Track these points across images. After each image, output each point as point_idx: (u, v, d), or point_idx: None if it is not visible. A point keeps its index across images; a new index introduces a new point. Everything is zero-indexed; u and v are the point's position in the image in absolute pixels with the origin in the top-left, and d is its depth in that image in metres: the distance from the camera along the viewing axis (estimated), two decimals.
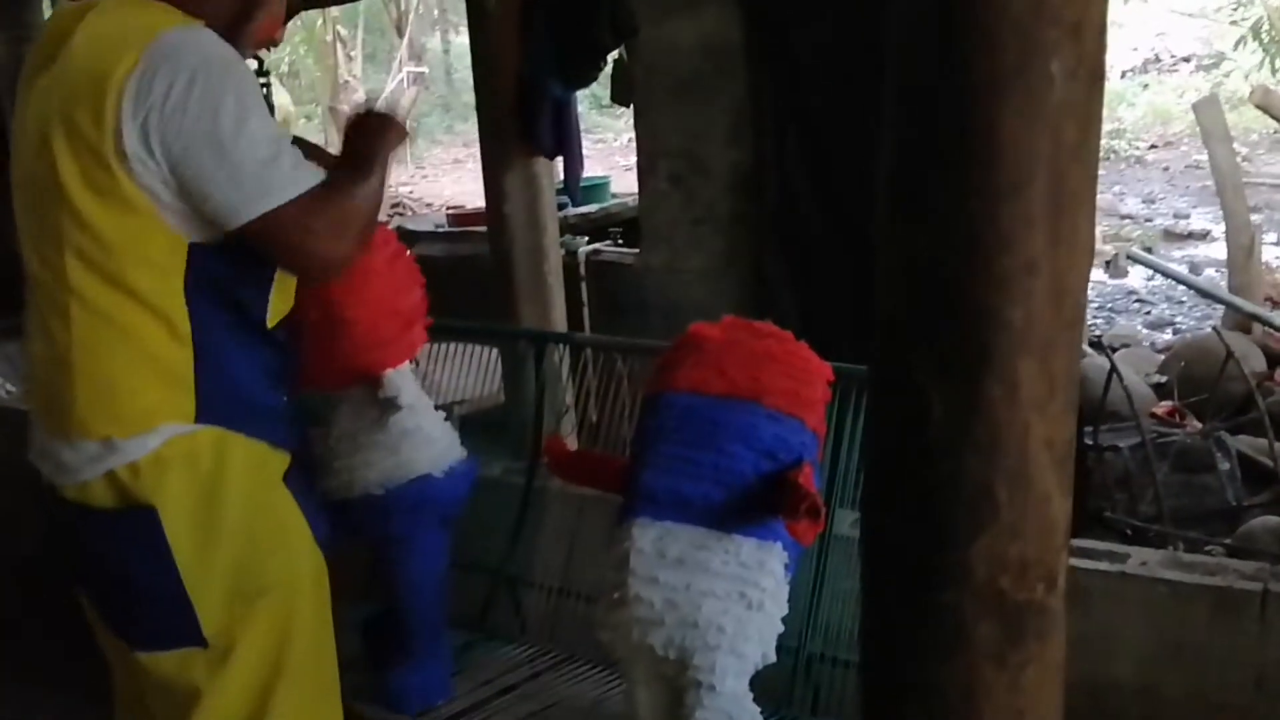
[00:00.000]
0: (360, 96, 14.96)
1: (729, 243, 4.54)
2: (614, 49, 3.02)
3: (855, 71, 4.07)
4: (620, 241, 5.19)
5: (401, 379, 2.09)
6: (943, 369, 1.24)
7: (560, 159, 3.19)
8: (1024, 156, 1.17)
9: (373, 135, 1.91)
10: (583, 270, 4.84)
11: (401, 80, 16.59)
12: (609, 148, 16.36)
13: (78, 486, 1.76)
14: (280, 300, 1.84)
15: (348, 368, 2.10)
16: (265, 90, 3.16)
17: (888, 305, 1.27)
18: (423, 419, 2.15)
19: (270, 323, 1.82)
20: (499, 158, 3.13)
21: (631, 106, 4.68)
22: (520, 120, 3.07)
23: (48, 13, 5.13)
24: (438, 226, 6.25)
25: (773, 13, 4.17)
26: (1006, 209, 1.18)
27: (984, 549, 1.25)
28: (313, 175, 1.72)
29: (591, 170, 11.13)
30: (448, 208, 8.90)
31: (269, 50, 3.30)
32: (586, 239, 5.04)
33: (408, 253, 2.18)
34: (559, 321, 3.23)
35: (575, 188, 3.33)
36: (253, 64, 3.29)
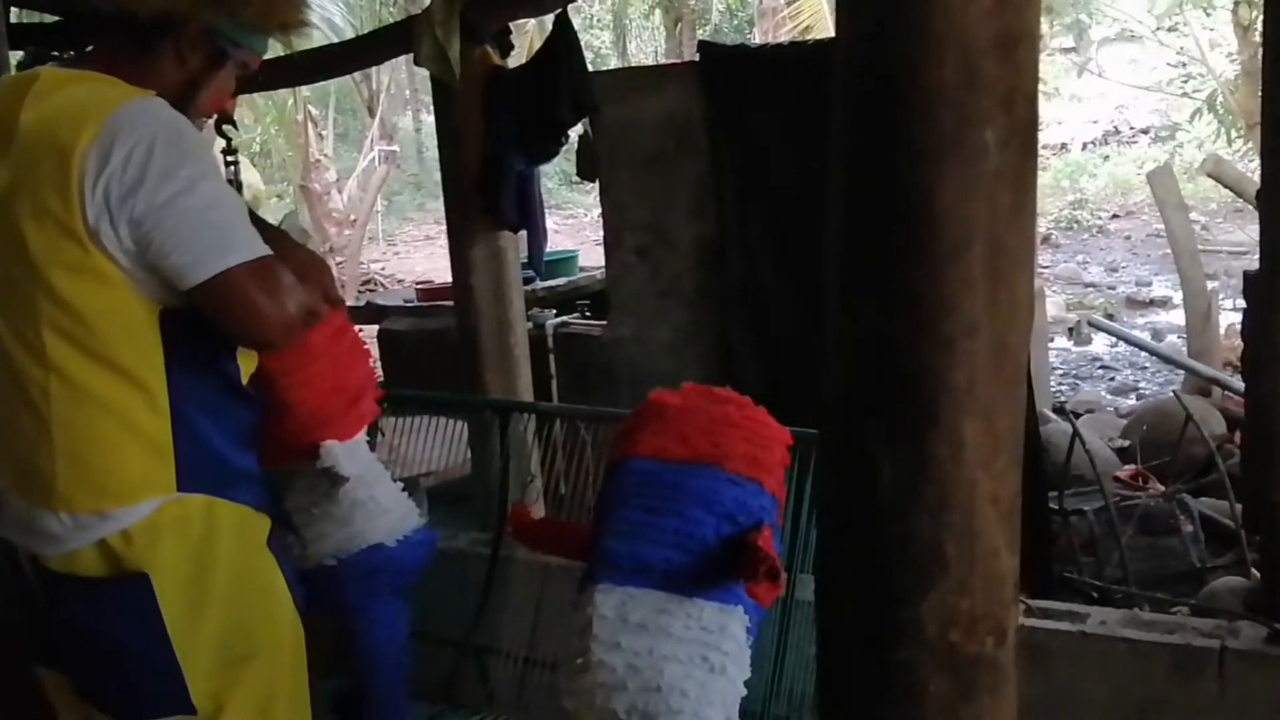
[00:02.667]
0: (331, 176, 15.04)
1: (694, 314, 4.60)
2: (574, 124, 3.08)
3: (811, 148, 4.14)
4: (588, 314, 5.22)
5: (347, 451, 2.10)
6: (891, 432, 1.26)
7: (524, 233, 3.23)
8: (962, 222, 1.21)
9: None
10: (550, 343, 4.87)
11: (373, 159, 16.71)
12: (579, 222, 16.49)
13: (64, 557, 1.75)
14: (247, 358, 1.87)
15: (295, 446, 2.11)
16: (234, 169, 3.20)
17: (837, 372, 1.31)
18: (375, 489, 2.16)
19: (244, 380, 1.85)
20: (465, 232, 3.17)
21: (596, 181, 4.76)
22: (485, 195, 3.12)
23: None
24: (406, 301, 6.28)
25: (731, 92, 4.27)
26: (948, 273, 1.21)
27: (935, 605, 1.27)
28: (263, 243, 1.75)
29: (561, 244, 11.22)
30: (416, 283, 8.94)
31: (234, 127, 3.34)
32: (554, 312, 5.08)
33: (353, 329, 2.20)
34: (525, 392, 3.26)
35: (539, 261, 3.38)
36: (221, 143, 3.33)
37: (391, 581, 2.19)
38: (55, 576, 1.77)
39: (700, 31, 20.96)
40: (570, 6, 3.08)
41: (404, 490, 2.23)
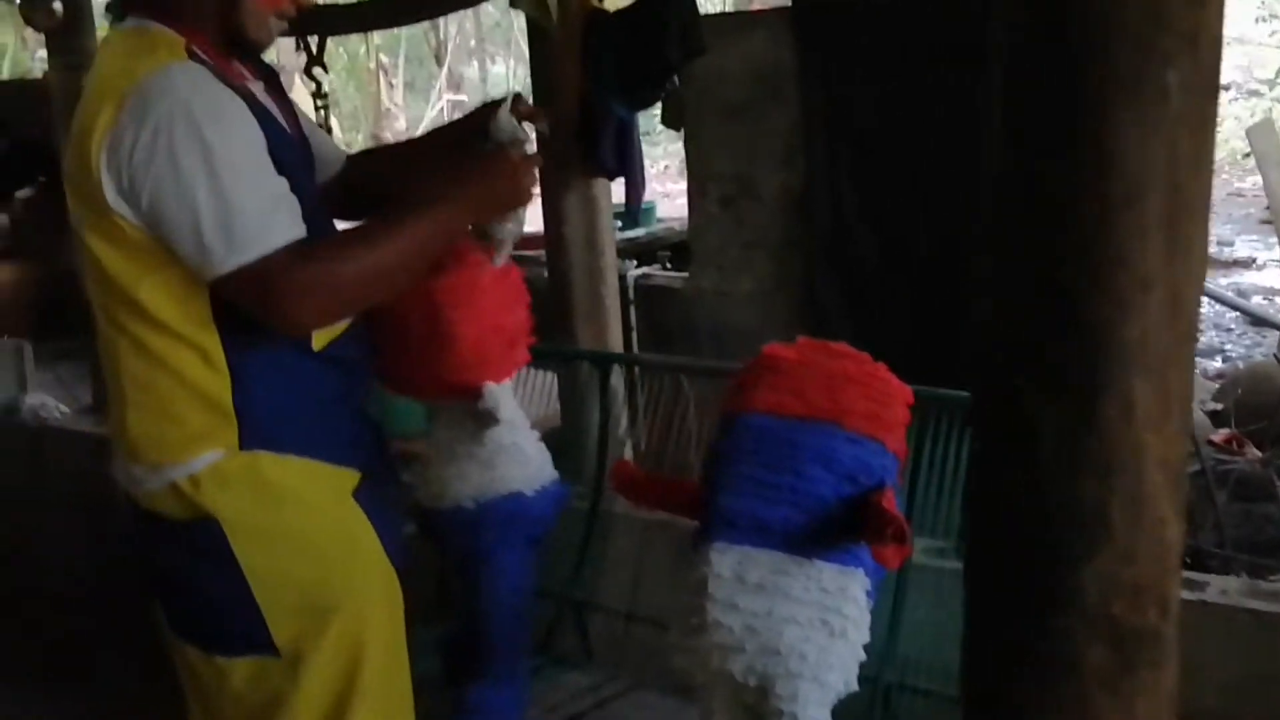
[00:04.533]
0: (401, 124, 15.01)
1: (779, 266, 4.53)
2: (683, 68, 3.00)
3: (909, 91, 4.08)
4: (669, 265, 5.17)
5: (502, 394, 2.06)
6: (1054, 389, 1.20)
7: (621, 180, 3.18)
8: (1139, 167, 1.14)
9: (470, 177, 1.87)
10: (631, 294, 4.82)
11: (441, 109, 16.70)
12: (648, 173, 16.39)
13: (148, 495, 1.79)
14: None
15: (450, 381, 2.04)
16: (324, 113, 3.17)
17: (994, 322, 1.24)
18: (519, 436, 2.12)
19: (316, 346, 1.79)
20: (558, 180, 3.11)
21: (681, 131, 4.69)
22: (583, 141, 3.05)
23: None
24: None
25: (825, 39, 4.17)
26: (1122, 220, 1.15)
27: (1097, 573, 1.21)
28: (287, 229, 1.66)
29: None
30: None
31: (324, 70, 3.28)
32: (635, 263, 5.02)
33: (516, 268, 2.10)
34: (615, 344, 3.21)
35: (638, 209, 3.33)
36: (311, 86, 3.29)
37: (527, 530, 2.16)
38: (145, 514, 1.81)
39: None
40: None
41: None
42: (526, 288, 2.11)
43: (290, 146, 1.82)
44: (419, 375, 1.96)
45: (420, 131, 15.82)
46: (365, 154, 2.27)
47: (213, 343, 1.71)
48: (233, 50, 1.80)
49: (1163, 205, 1.15)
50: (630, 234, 5.57)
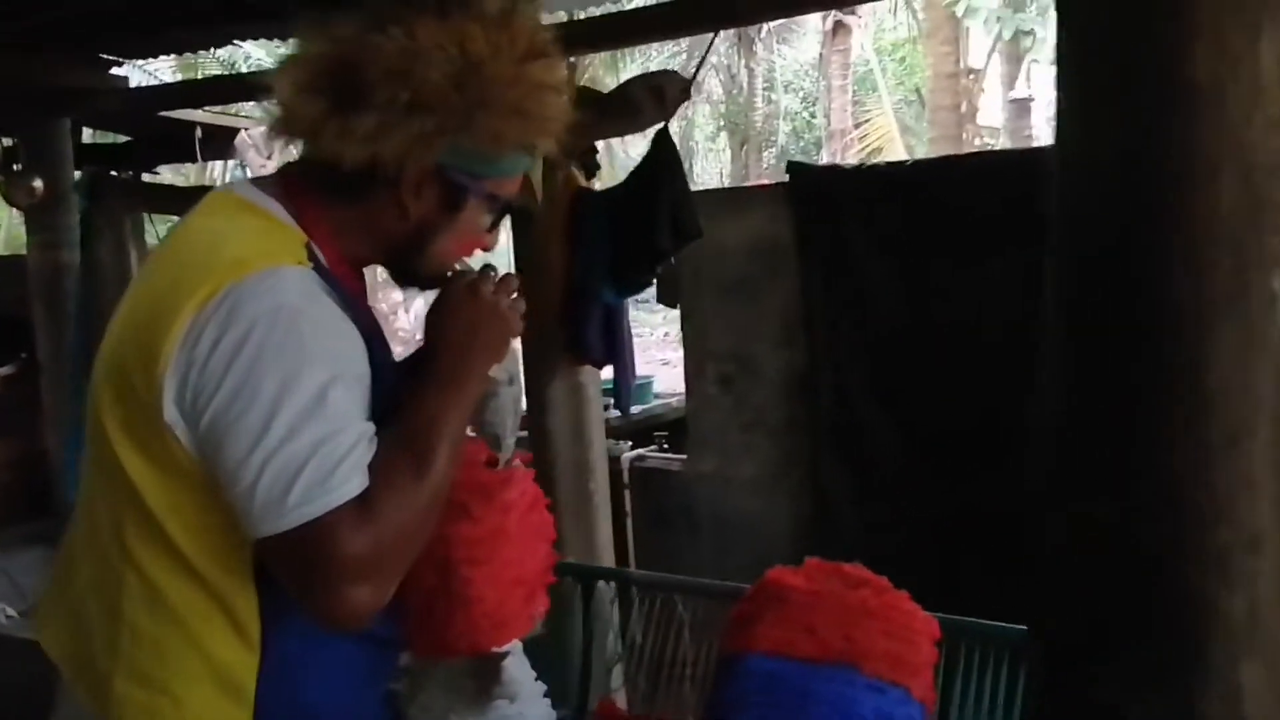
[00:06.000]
0: (398, 295, 14.88)
1: (782, 449, 4.29)
2: (675, 253, 2.81)
3: (914, 274, 3.92)
4: (665, 446, 4.92)
5: (516, 660, 1.72)
6: (1141, 677, 0.95)
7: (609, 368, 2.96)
8: (1242, 401, 0.90)
9: (468, 330, 1.45)
10: (626, 478, 4.57)
11: None
12: (646, 341, 16.33)
13: None
14: None
15: (457, 646, 1.68)
16: None
17: (1063, 597, 0.99)
18: (526, 707, 1.76)
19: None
20: (542, 368, 2.90)
21: (678, 307, 4.52)
22: (568, 328, 2.85)
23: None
24: None
25: (823, 214, 4.03)
26: (1222, 467, 0.91)
27: None
28: (348, 481, 1.29)
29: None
30: None
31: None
32: (630, 444, 4.78)
33: (543, 501, 1.74)
34: (605, 546, 2.95)
35: (627, 397, 3.09)
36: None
37: None
38: None
39: (766, 154, 21.01)
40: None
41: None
42: (552, 522, 1.75)
43: (382, 354, 1.46)
44: (420, 636, 1.62)
45: (417, 302, 15.81)
46: None
47: (248, 607, 1.36)
48: (357, 267, 1.49)
49: (1273, 445, 0.91)
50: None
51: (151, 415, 1.30)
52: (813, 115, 21.30)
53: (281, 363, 1.27)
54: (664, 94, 2.65)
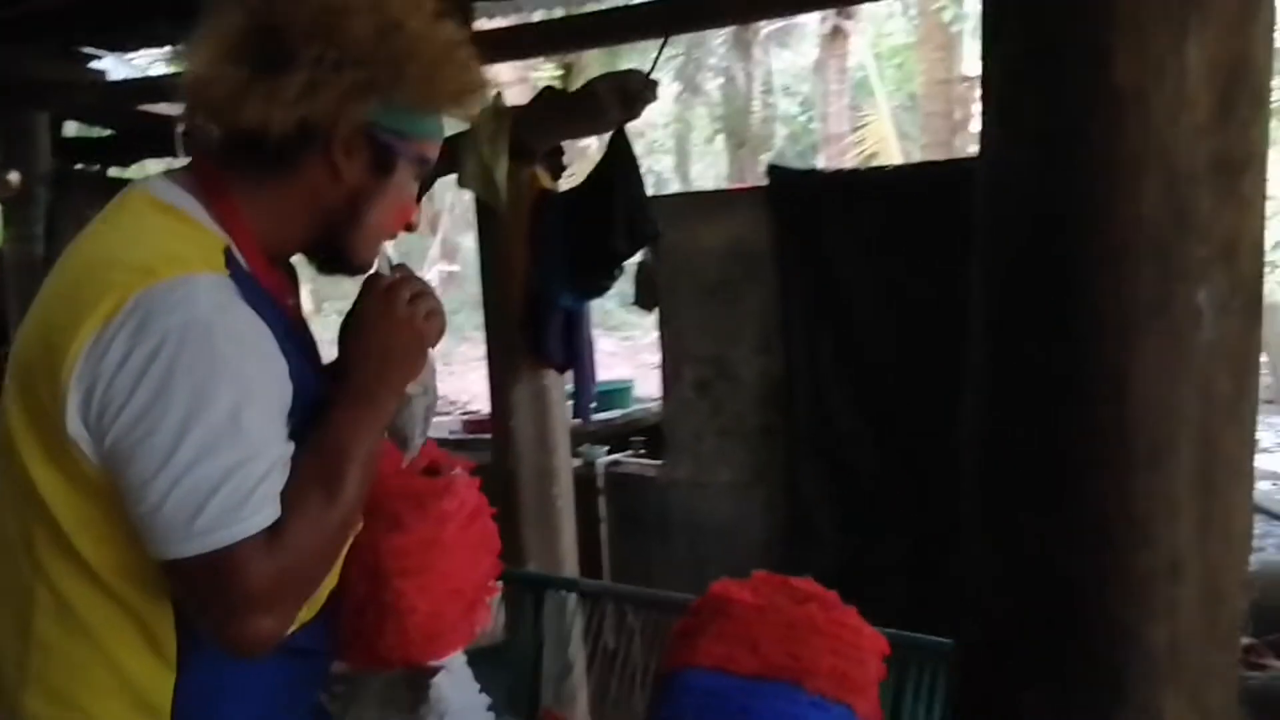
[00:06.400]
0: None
1: (758, 455, 4.25)
2: (630, 256, 2.77)
3: (892, 280, 3.88)
4: (643, 452, 4.88)
5: (451, 677, 1.67)
6: (1062, 707, 0.91)
7: (570, 372, 2.92)
8: (1165, 419, 0.87)
9: (383, 348, 1.39)
10: (601, 483, 4.52)
11: (433, 279, 16.72)
12: (636, 344, 16.25)
13: None
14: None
15: (389, 658, 1.65)
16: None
17: (986, 619, 0.95)
18: (467, 717, 1.71)
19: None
20: (507, 371, 2.85)
21: (656, 310, 4.48)
22: (528, 332, 2.80)
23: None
24: (452, 433, 5.97)
25: (803, 218, 3.99)
26: (1144, 487, 0.87)
27: None
28: (260, 511, 1.25)
29: (617, 370, 10.93)
30: (462, 412, 8.68)
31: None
32: (606, 449, 4.73)
33: (487, 510, 1.70)
34: (568, 553, 2.90)
35: (586, 405, 3.02)
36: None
37: None
38: None
39: (763, 157, 20.98)
40: (630, 129, 2.79)
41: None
42: (496, 533, 1.72)
43: (303, 361, 1.41)
44: (353, 648, 1.56)
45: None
46: None
47: (165, 622, 1.32)
48: (283, 259, 1.44)
49: (1197, 464, 0.88)
50: (603, 415, 5.30)
51: (56, 425, 1.25)
52: (810, 119, 21.26)
53: (191, 381, 1.22)
54: (629, 93, 2.61)
